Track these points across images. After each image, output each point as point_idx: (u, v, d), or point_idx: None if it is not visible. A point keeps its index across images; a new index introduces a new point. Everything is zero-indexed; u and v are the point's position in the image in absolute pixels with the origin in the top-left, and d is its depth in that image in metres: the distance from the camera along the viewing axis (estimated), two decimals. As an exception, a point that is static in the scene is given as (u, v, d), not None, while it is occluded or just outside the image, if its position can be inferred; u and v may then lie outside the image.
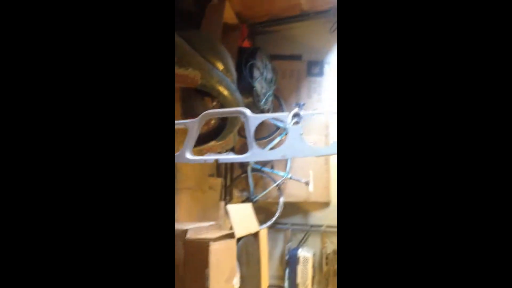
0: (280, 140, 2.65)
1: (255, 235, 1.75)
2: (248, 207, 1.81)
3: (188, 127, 1.01)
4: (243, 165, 2.77)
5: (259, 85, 2.24)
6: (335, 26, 2.73)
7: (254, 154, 0.87)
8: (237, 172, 2.86)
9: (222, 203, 2.72)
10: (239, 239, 1.55)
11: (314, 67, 2.89)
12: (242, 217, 1.65)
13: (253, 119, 0.94)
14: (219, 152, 2.78)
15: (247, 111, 0.94)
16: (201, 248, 1.44)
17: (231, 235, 1.55)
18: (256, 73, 2.25)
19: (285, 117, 0.90)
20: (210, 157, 0.95)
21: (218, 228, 1.79)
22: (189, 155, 0.99)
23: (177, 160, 1.05)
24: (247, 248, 1.68)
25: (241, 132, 2.67)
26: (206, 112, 1.02)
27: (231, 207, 1.57)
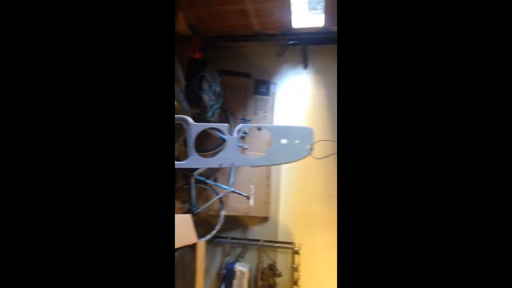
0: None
1: (192, 247, 1.73)
2: (187, 218, 1.79)
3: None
4: (186, 176, 2.73)
5: (207, 97, 2.26)
6: (282, 50, 2.89)
7: (193, 161, 0.89)
8: (180, 183, 2.81)
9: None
10: (175, 250, 1.52)
11: (261, 85, 3.01)
12: (180, 227, 1.63)
13: (195, 127, 0.96)
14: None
15: (189, 119, 0.96)
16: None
17: (167, 246, 1.51)
18: (205, 85, 2.27)
19: (226, 127, 0.94)
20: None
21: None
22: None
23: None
24: (183, 260, 1.65)
25: (186, 143, 2.65)
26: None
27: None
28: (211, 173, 2.82)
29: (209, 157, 2.72)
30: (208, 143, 2.77)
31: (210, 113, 2.31)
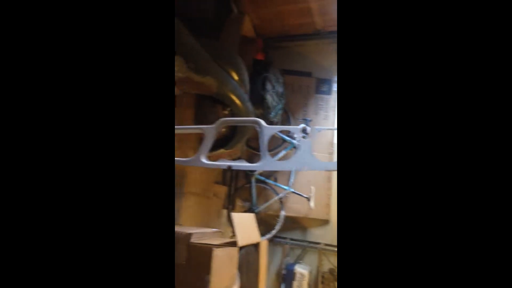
0: (286, 154, 2.68)
1: (256, 246, 1.75)
2: (251, 217, 1.82)
3: (205, 132, 1.04)
4: (247, 175, 2.78)
5: (270, 98, 2.28)
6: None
7: (267, 164, 0.90)
8: (241, 182, 2.88)
9: (225, 211, 2.73)
10: (240, 248, 1.56)
11: (322, 85, 2.94)
12: (245, 226, 1.66)
13: (268, 129, 0.97)
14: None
15: (262, 122, 0.97)
16: (204, 253, 1.44)
17: (233, 243, 1.55)
18: (268, 86, 2.30)
19: (297, 130, 0.93)
20: (224, 163, 0.98)
21: (220, 235, 1.80)
22: (204, 160, 1.02)
23: (191, 163, 1.08)
24: (248, 258, 1.68)
25: (249, 143, 2.70)
26: (223, 119, 1.05)
27: (235, 215, 1.58)
28: (271, 173, 2.84)
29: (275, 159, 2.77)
30: (268, 143, 2.79)
31: (273, 113, 2.32)
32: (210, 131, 1.07)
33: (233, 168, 0.98)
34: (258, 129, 0.97)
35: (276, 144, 2.75)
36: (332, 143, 2.81)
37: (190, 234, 1.63)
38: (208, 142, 1.06)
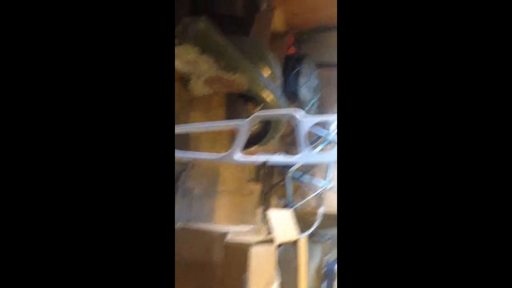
0: (322, 149, 2.60)
1: (294, 243, 1.71)
2: (288, 214, 1.78)
3: (239, 127, 1.02)
4: (282, 173, 2.74)
5: (304, 92, 2.22)
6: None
7: (306, 156, 0.86)
8: (276, 179, 2.84)
9: (260, 208, 2.71)
10: (279, 246, 1.53)
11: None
12: (282, 223, 1.63)
13: (305, 122, 0.92)
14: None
15: (298, 114, 0.93)
16: (241, 251, 1.43)
17: (270, 241, 1.53)
18: (302, 80, 2.24)
19: (331, 121, 0.88)
20: (260, 158, 0.95)
21: (256, 233, 1.78)
22: (237, 156, 1.00)
23: (224, 160, 1.07)
24: (286, 256, 1.65)
25: (285, 139, 2.66)
26: (257, 113, 1.02)
27: (271, 213, 1.55)
28: (308, 168, 2.77)
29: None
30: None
31: (307, 108, 2.26)
32: (244, 126, 1.05)
33: (270, 163, 0.95)
34: (294, 122, 0.93)
35: (310, 140, 2.68)
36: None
37: (225, 233, 1.62)
38: (242, 138, 1.04)
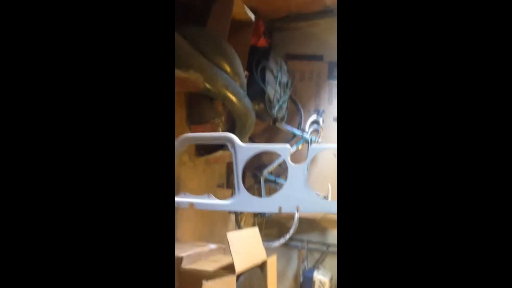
0: (296, 150, 2.39)
1: (261, 266, 1.51)
2: (254, 232, 1.57)
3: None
4: (255, 175, 2.53)
5: (272, 90, 1.99)
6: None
7: (240, 202, 0.64)
8: (249, 182, 2.63)
9: (233, 216, 2.51)
10: (240, 275, 1.33)
11: (335, 68, 2.60)
12: (245, 246, 1.42)
13: (244, 150, 0.70)
14: (229, 162, 2.56)
15: (236, 140, 0.70)
16: (194, 284, 1.22)
17: (231, 268, 1.32)
18: (269, 77, 2.00)
19: (286, 150, 0.66)
20: (185, 200, 0.72)
21: (222, 253, 1.57)
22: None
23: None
24: (251, 282, 1.45)
25: (254, 140, 2.42)
26: (185, 136, 0.80)
27: (231, 235, 1.34)
28: (283, 171, 2.57)
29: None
30: (277, 140, 2.51)
31: (276, 108, 2.03)
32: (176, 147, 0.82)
33: (196, 207, 0.73)
34: (231, 149, 0.71)
35: (286, 139, 2.47)
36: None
37: (181, 258, 1.42)
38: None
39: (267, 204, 0.76)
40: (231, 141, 0.72)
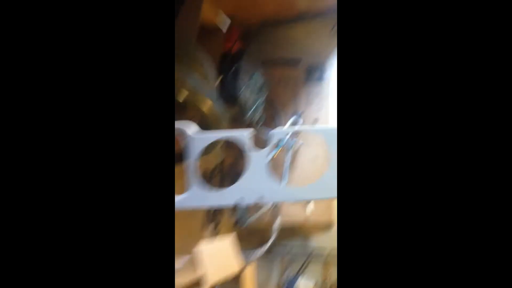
0: (274, 155, 2.36)
1: (236, 278, 1.44)
2: (228, 241, 1.50)
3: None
4: (233, 179, 2.47)
5: (246, 93, 1.96)
6: (336, 27, 2.46)
7: (194, 197, 0.59)
8: (226, 185, 2.57)
9: (209, 225, 2.42)
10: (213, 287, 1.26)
11: (313, 71, 2.61)
12: (217, 257, 1.35)
13: (197, 140, 0.65)
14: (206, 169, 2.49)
15: (188, 129, 0.65)
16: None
17: (200, 284, 1.25)
18: (242, 80, 1.97)
19: (246, 136, 0.62)
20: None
21: (191, 269, 1.49)
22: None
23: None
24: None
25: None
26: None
27: (201, 247, 1.26)
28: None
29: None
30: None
31: (250, 112, 2.00)
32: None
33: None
34: (184, 139, 0.66)
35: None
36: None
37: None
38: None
39: (226, 196, 0.70)
40: (183, 131, 0.67)
